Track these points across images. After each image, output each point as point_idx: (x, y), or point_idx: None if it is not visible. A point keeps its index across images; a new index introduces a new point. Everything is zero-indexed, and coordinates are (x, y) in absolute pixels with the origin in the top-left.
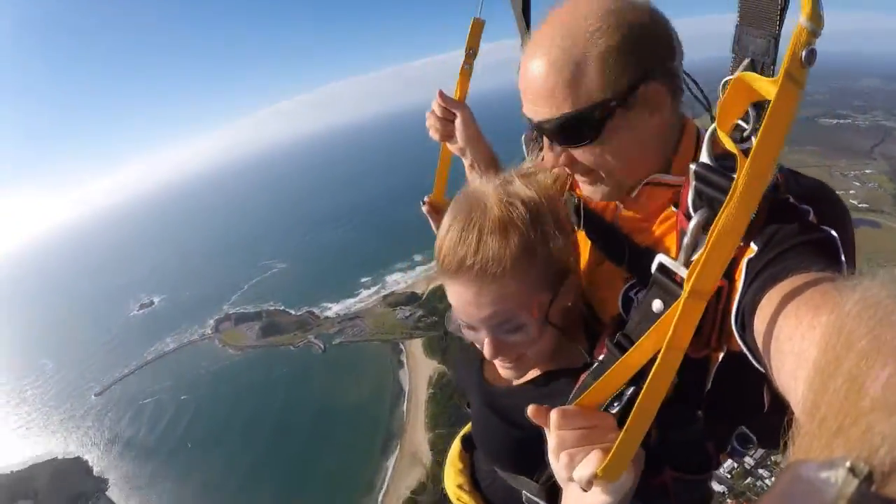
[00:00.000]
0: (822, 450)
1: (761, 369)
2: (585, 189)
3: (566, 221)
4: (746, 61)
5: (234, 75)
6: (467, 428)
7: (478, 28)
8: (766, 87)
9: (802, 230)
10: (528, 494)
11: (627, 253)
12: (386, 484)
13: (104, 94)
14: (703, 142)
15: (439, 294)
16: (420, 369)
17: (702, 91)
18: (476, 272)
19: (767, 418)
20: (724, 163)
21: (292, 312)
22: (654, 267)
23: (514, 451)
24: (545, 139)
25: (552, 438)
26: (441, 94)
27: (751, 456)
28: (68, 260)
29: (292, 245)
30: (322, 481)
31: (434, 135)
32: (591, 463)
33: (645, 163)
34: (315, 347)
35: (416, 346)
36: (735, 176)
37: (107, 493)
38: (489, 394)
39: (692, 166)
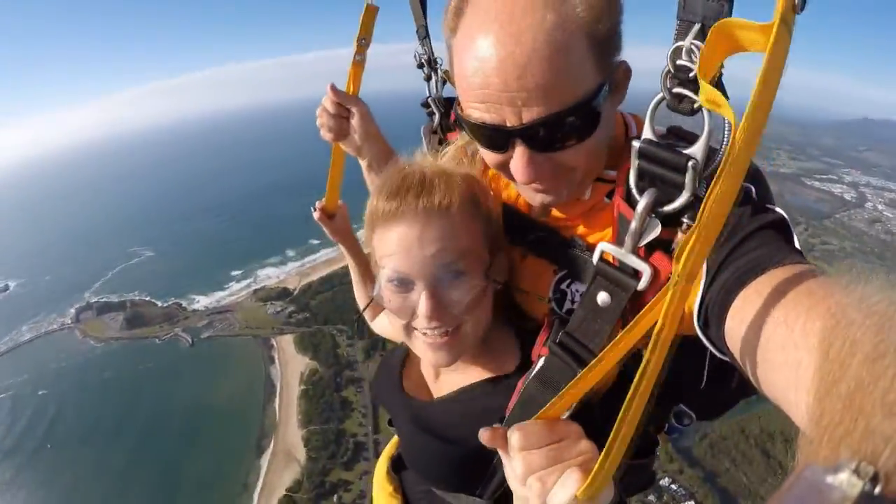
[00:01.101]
0: (829, 455)
1: (726, 359)
2: (541, 197)
3: (494, 202)
4: (696, 27)
5: (109, 47)
6: (389, 447)
7: (371, 15)
8: (754, 36)
9: (756, 211)
10: None
11: (556, 244)
12: (261, 483)
13: None
14: (630, 128)
15: (312, 289)
16: (292, 365)
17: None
18: (422, 208)
19: (703, 394)
20: (669, 140)
21: (159, 304)
22: (595, 257)
23: (453, 469)
24: (520, 149)
25: (517, 463)
26: (333, 89)
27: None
28: None
29: (161, 233)
30: (195, 482)
31: (326, 134)
32: (569, 485)
33: (603, 154)
34: (182, 341)
35: (286, 342)
36: (681, 150)
37: None
38: (415, 408)
39: (635, 143)
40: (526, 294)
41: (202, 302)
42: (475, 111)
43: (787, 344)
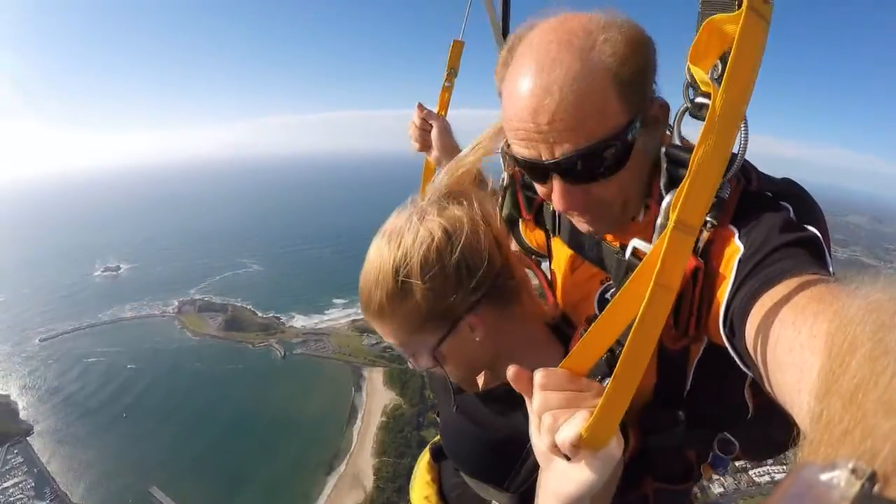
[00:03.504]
0: (828, 454)
1: (750, 374)
2: (585, 226)
3: (490, 245)
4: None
5: (251, 77)
6: (437, 438)
7: (458, 49)
8: (732, 26)
9: (787, 228)
10: None
11: (604, 252)
12: (323, 500)
13: (137, 57)
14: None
15: None
16: (377, 396)
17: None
18: (364, 311)
19: (751, 427)
20: (694, 145)
21: (258, 314)
22: (628, 253)
23: (483, 454)
24: (556, 182)
25: (535, 399)
26: (420, 106)
27: (732, 466)
28: (50, 206)
29: (272, 252)
30: (261, 485)
31: (413, 144)
32: (576, 423)
33: (647, 183)
34: (275, 352)
35: (376, 375)
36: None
37: (28, 439)
38: (460, 399)
39: (663, 148)
40: (576, 304)
41: (300, 321)
42: (517, 147)
43: (794, 346)
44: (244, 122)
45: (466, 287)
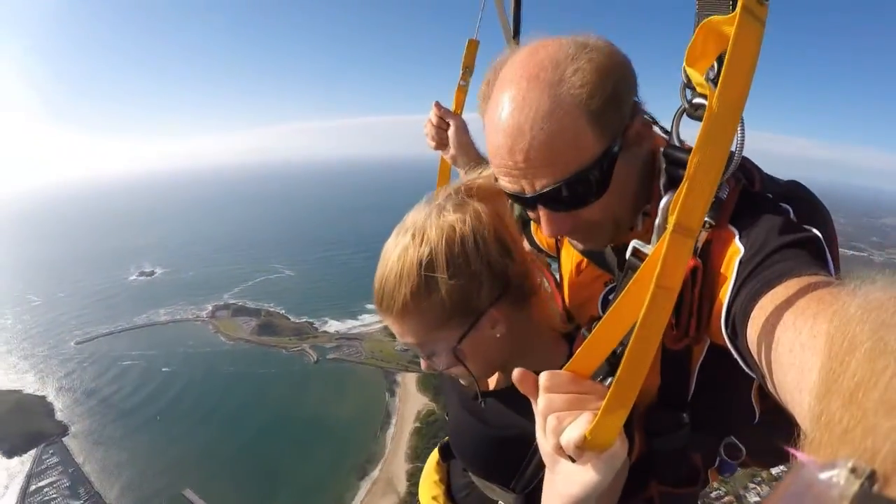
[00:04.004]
0: (828, 453)
1: (753, 376)
2: (580, 245)
3: (498, 245)
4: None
5: (277, 84)
6: (447, 438)
7: (473, 48)
8: (728, 28)
9: (787, 230)
10: None
11: (605, 253)
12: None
13: (165, 67)
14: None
15: None
16: (410, 402)
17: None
18: (381, 308)
19: (758, 432)
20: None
21: (291, 318)
22: (628, 253)
23: (490, 453)
24: (541, 210)
25: (540, 401)
26: (437, 105)
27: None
28: (84, 211)
29: (303, 257)
30: (294, 487)
31: (430, 142)
32: (580, 424)
33: (638, 195)
34: (308, 357)
35: (410, 380)
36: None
37: (64, 439)
38: (467, 397)
39: (661, 149)
40: (580, 306)
41: (333, 326)
42: (503, 181)
43: (794, 346)
44: (270, 127)
45: (489, 281)
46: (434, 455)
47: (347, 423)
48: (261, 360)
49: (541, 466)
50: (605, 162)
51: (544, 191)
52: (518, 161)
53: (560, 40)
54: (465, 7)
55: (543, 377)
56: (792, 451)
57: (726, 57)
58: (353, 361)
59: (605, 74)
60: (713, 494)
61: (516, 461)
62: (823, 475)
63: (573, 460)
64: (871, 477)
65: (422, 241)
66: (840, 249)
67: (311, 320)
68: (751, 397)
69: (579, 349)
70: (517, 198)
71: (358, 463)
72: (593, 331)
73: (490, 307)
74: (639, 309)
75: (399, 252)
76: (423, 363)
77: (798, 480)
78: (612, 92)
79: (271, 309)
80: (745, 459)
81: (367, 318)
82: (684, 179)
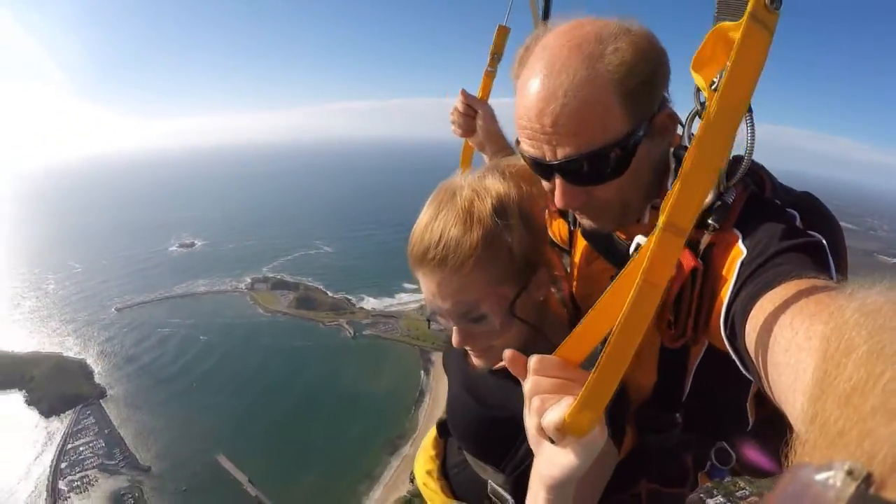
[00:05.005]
0: (824, 455)
1: (750, 377)
2: (587, 222)
3: (539, 217)
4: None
5: (321, 64)
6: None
7: (503, 34)
8: (735, 34)
9: (790, 234)
10: (494, 485)
11: (613, 247)
12: (387, 478)
13: (200, 41)
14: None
15: None
16: (444, 380)
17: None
18: (437, 262)
19: (751, 440)
20: None
21: (329, 294)
22: (632, 249)
23: (483, 431)
24: (558, 180)
25: (528, 382)
26: (463, 92)
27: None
28: (126, 184)
29: (345, 235)
30: (326, 460)
31: (456, 130)
32: (561, 408)
33: (650, 185)
34: (345, 332)
35: None
36: None
37: (102, 402)
38: (468, 374)
39: (671, 149)
40: (588, 297)
41: (370, 303)
42: (525, 145)
43: (790, 347)
44: (314, 106)
45: (541, 239)
46: (432, 431)
47: (382, 399)
48: (298, 333)
49: (531, 451)
50: (629, 143)
51: (565, 160)
52: (546, 125)
53: (605, 20)
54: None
55: (533, 360)
56: (784, 459)
57: (729, 63)
58: (388, 339)
59: (643, 59)
60: (738, 494)
61: (509, 442)
62: (820, 476)
63: (553, 442)
64: (868, 479)
65: (485, 190)
66: (882, 257)
67: (348, 296)
68: (745, 405)
69: (568, 336)
70: (536, 163)
71: (390, 439)
72: (582, 320)
73: (541, 265)
74: (625, 301)
75: (457, 201)
76: (455, 336)
77: (794, 481)
78: (647, 77)
79: (310, 283)
80: (735, 466)
81: (403, 296)
82: (676, 180)
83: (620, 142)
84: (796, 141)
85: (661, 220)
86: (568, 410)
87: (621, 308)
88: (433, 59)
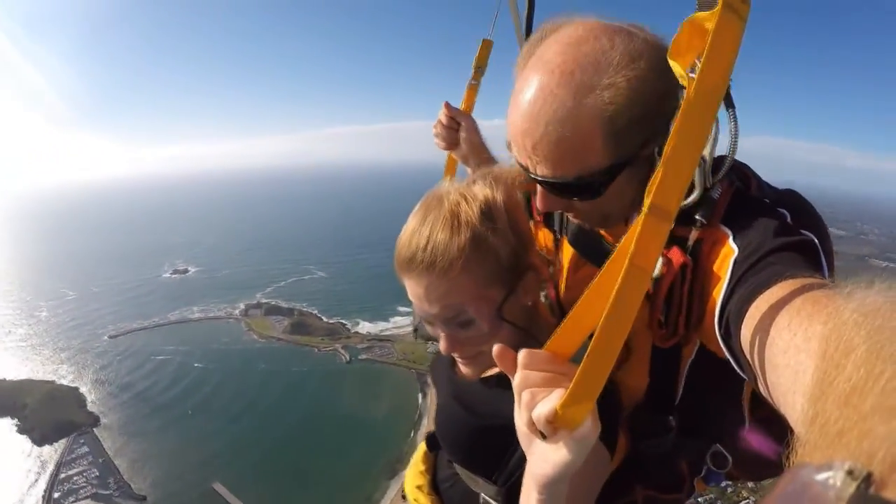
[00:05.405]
0: (824, 455)
1: (745, 377)
2: (575, 220)
3: (523, 224)
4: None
5: (308, 91)
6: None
7: (486, 47)
8: (710, 23)
9: (782, 232)
10: (486, 497)
11: (601, 250)
12: (385, 502)
13: (191, 71)
14: None
15: None
16: None
17: None
18: (425, 266)
19: (746, 442)
20: None
21: (324, 319)
22: None
23: (473, 442)
24: (539, 188)
25: (517, 377)
26: (447, 105)
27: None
28: (119, 210)
29: (337, 260)
30: (324, 484)
31: (439, 143)
32: (552, 399)
33: (638, 195)
34: (340, 357)
35: None
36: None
37: (95, 430)
38: (457, 384)
39: (655, 148)
40: (572, 303)
41: (365, 327)
42: (513, 149)
43: (789, 348)
44: (302, 133)
45: (529, 243)
46: (422, 446)
47: (379, 423)
48: (293, 358)
49: (523, 460)
50: (608, 175)
51: (542, 178)
52: (527, 145)
53: (614, 39)
54: (479, 7)
55: (522, 354)
56: (784, 459)
57: (705, 49)
58: (384, 362)
59: (638, 101)
60: None
61: (500, 452)
62: (820, 476)
63: (545, 437)
64: (868, 479)
65: (472, 195)
66: (874, 261)
67: (343, 321)
68: (741, 404)
69: (557, 329)
70: (522, 166)
71: (389, 463)
72: (570, 311)
73: (528, 269)
74: (604, 290)
75: (448, 206)
76: (443, 343)
77: (794, 481)
78: (637, 116)
79: (304, 309)
80: (731, 470)
81: (398, 320)
82: (659, 164)
83: (597, 174)
84: (785, 151)
85: (646, 202)
86: (559, 402)
87: (608, 296)
88: (416, 83)
